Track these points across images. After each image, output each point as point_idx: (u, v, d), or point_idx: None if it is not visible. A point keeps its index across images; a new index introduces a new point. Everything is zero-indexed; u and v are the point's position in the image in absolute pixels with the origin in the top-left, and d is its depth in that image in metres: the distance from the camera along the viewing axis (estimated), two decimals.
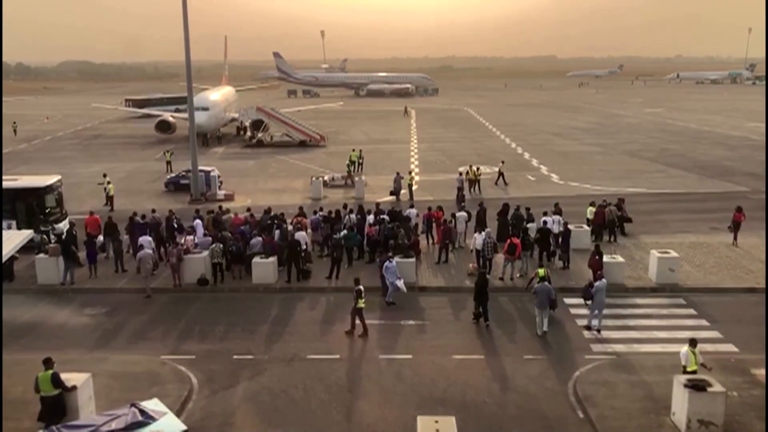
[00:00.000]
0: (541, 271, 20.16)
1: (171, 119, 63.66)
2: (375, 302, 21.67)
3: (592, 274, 21.17)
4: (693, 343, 14.92)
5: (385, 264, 21.34)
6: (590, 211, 28.35)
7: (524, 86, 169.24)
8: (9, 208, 26.40)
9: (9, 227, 25.21)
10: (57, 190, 28.52)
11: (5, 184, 27.16)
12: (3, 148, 54.72)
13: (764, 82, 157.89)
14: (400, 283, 21.16)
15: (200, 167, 41.23)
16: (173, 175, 41.51)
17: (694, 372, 14.56)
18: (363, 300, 18.98)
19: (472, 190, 37.33)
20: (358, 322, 19.20)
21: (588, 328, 19.48)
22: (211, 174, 38.79)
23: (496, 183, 40.11)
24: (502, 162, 42.02)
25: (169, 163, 46.35)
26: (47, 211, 27.44)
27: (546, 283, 19.33)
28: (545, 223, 25.65)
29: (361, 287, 19.13)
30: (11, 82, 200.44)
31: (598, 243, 24.30)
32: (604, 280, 19.66)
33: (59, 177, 29.32)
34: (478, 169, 38.93)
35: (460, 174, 37.16)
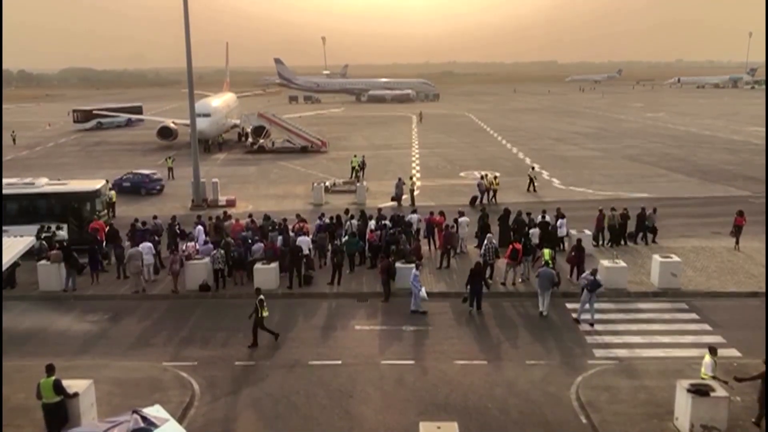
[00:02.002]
0: (546, 254, 21.77)
1: (172, 125, 63.76)
2: (377, 307, 21.74)
3: (574, 269, 22.50)
4: (714, 351, 14.75)
5: (413, 272, 21.27)
6: (609, 218, 28.01)
7: (531, 92, 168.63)
8: (59, 212, 27.36)
9: (59, 229, 26.29)
10: (105, 194, 29.61)
11: (54, 188, 28.61)
12: (4, 155, 54.86)
13: (762, 86, 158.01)
14: (423, 293, 21.02)
15: (141, 171, 42.51)
16: (117, 177, 41.42)
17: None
18: (266, 310, 18.61)
19: (490, 198, 36.19)
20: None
21: (591, 325, 19.87)
22: (155, 176, 41.08)
23: (528, 189, 39.69)
24: (533, 168, 41.77)
25: (170, 169, 46.44)
26: (99, 213, 28.33)
27: (549, 267, 20.95)
28: (543, 216, 26.73)
29: (263, 297, 18.76)
30: (13, 89, 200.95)
31: (580, 239, 24.73)
32: (588, 276, 20.12)
33: (105, 181, 30.55)
34: (495, 177, 37.82)
35: (482, 178, 36.94)
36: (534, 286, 22.76)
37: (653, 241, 28.28)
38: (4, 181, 28.76)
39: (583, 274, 20.82)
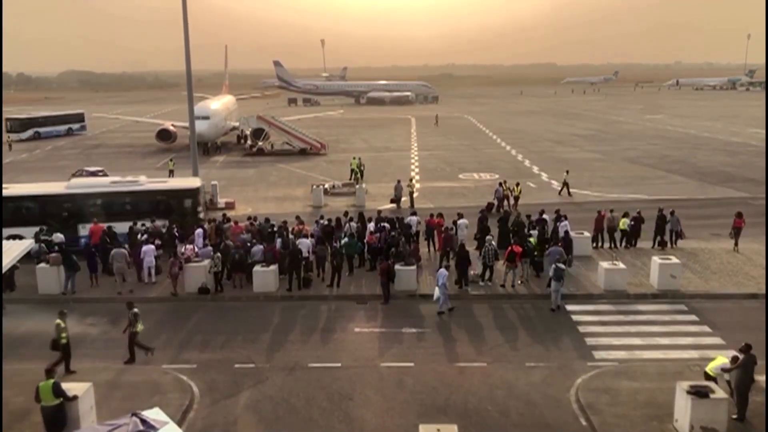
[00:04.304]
0: (533, 240, 23.87)
1: (171, 128, 63.78)
2: (377, 309, 21.73)
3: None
4: (735, 360, 14.63)
5: (439, 271, 21.25)
6: (623, 222, 27.59)
7: (536, 94, 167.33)
8: (162, 209, 28.22)
9: (164, 227, 26.85)
10: (202, 192, 30.73)
11: (156, 185, 29.83)
12: (4, 158, 54.81)
13: (758, 88, 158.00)
14: (437, 293, 20.98)
15: (88, 168, 42.67)
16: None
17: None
18: (140, 324, 17.94)
19: (511, 205, 34.87)
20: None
21: (554, 309, 21.27)
22: (99, 174, 40.89)
23: (560, 193, 39.38)
24: (567, 172, 41.36)
25: (171, 171, 46.47)
26: (198, 210, 29.29)
27: (556, 246, 23.01)
28: (541, 214, 27.37)
29: (137, 310, 17.99)
30: (12, 92, 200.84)
31: (567, 231, 25.55)
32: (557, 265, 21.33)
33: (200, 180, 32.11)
34: (518, 185, 36.15)
35: (500, 185, 35.71)
36: (533, 287, 22.94)
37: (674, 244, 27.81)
38: (108, 179, 31.53)
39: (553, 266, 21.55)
